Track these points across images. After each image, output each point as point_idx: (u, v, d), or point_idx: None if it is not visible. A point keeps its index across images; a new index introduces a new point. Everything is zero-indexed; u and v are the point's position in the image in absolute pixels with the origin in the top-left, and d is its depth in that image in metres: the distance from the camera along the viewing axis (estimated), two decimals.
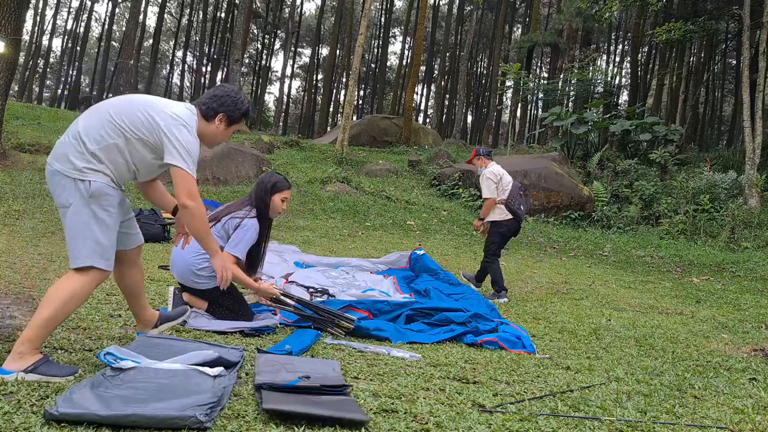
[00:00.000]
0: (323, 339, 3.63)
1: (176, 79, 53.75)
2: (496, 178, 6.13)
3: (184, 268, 3.76)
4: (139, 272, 2.98)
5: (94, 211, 2.51)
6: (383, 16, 46.66)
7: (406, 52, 45.50)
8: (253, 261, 3.85)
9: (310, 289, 4.97)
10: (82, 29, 45.45)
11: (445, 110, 45.04)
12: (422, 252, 6.22)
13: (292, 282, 5.14)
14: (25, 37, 37.46)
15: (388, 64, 49.32)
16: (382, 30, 47.29)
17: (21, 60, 35.39)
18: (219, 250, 2.97)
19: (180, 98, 54.67)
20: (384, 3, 46.05)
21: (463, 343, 3.87)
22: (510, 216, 6.10)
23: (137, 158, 2.64)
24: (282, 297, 3.90)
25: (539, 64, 47.30)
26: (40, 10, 41.73)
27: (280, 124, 46.72)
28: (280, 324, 3.87)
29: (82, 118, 2.63)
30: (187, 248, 3.75)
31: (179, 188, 2.66)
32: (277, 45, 53.39)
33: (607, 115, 19.43)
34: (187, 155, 2.63)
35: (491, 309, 4.73)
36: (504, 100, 40.51)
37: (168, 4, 46.56)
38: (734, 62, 33.75)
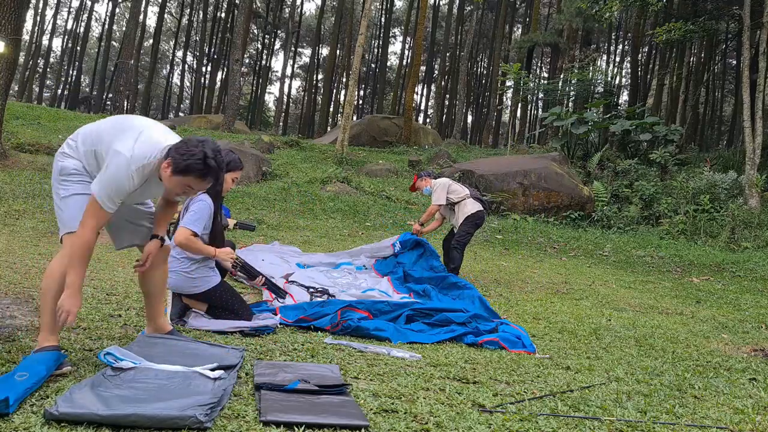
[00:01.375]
0: (323, 339, 3.63)
1: (176, 79, 53.81)
2: (444, 186, 6.66)
3: (176, 277, 3.71)
4: (161, 276, 3.04)
5: (60, 184, 2.69)
6: (383, 16, 46.67)
7: (406, 52, 45.52)
8: (216, 236, 3.81)
9: (311, 289, 4.97)
10: (82, 29, 45.50)
11: (445, 110, 45.04)
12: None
13: (293, 282, 5.14)
14: (25, 37, 37.48)
15: (388, 64, 49.35)
16: (382, 30, 47.30)
17: (21, 60, 35.40)
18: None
19: (180, 98, 54.75)
20: (384, 3, 46.06)
21: (464, 343, 3.88)
22: (480, 206, 6.59)
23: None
24: (245, 265, 3.97)
25: (539, 64, 47.30)
26: (40, 10, 41.75)
27: (280, 124, 46.73)
28: (280, 324, 3.87)
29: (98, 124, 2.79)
30: (173, 257, 3.72)
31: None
32: (277, 45, 53.43)
33: (607, 115, 19.43)
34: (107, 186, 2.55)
35: (488, 308, 4.73)
36: (504, 100, 40.54)
37: (168, 4, 46.57)
38: (734, 62, 33.77)
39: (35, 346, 2.80)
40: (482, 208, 6.63)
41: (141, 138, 2.58)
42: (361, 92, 50.75)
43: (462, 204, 6.59)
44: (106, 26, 44.65)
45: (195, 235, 3.63)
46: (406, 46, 45.54)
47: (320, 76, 46.83)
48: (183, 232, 3.56)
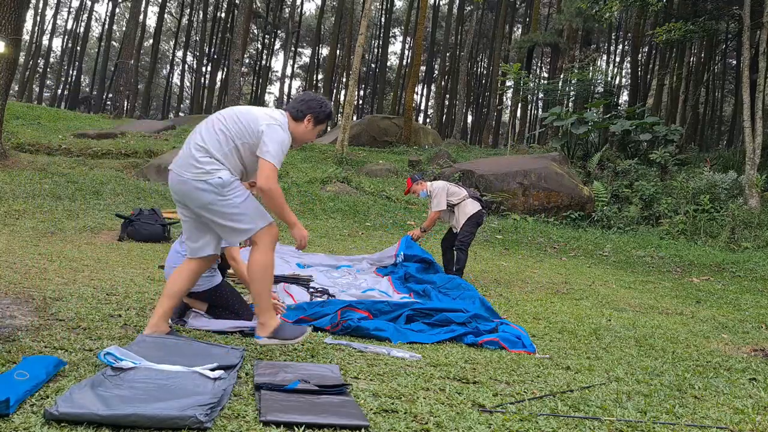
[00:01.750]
0: (323, 338, 3.63)
1: (176, 79, 53.80)
2: (443, 190, 6.65)
3: None
4: (190, 282, 3.23)
5: (231, 194, 2.99)
6: (383, 16, 46.67)
7: (406, 52, 45.51)
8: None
9: (310, 290, 4.98)
10: (82, 29, 45.48)
11: (445, 110, 45.03)
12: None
13: (293, 282, 5.14)
14: (25, 37, 37.47)
15: (388, 64, 49.33)
16: (382, 30, 47.29)
17: (21, 60, 35.39)
18: (297, 222, 3.18)
19: (180, 98, 54.77)
20: (384, 3, 46.05)
21: (464, 343, 3.87)
22: (479, 206, 6.65)
23: (247, 160, 3.08)
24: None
25: (539, 64, 47.29)
26: (40, 10, 41.74)
27: None
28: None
29: (200, 131, 3.09)
30: (178, 252, 3.73)
31: (259, 174, 2.99)
32: (277, 45, 53.42)
33: (607, 115, 19.43)
34: (276, 150, 2.99)
35: (489, 308, 4.73)
36: (504, 100, 40.52)
37: (168, 4, 46.56)
38: (734, 62, 33.76)
39: (35, 346, 2.80)
40: (482, 207, 6.68)
41: (266, 111, 3.13)
42: (361, 92, 50.73)
43: (462, 205, 6.60)
44: (106, 26, 44.65)
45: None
46: (406, 46, 45.55)
47: (320, 76, 46.82)
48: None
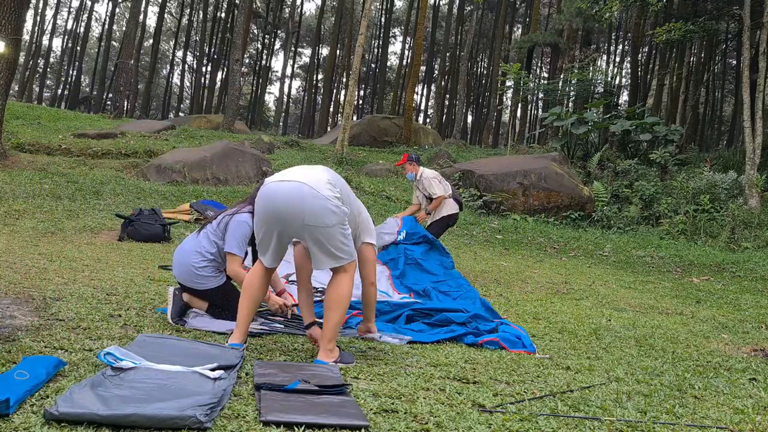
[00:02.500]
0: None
1: (176, 79, 53.80)
2: (437, 177, 6.86)
3: (185, 268, 3.77)
4: (262, 294, 3.35)
5: (348, 227, 3.18)
6: (383, 16, 46.67)
7: (406, 52, 45.52)
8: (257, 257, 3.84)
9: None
10: (82, 29, 45.50)
11: (445, 110, 45.03)
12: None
13: (293, 282, 5.13)
14: (25, 37, 37.45)
15: (388, 64, 49.34)
16: (382, 30, 47.30)
17: (21, 60, 35.38)
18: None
19: (180, 98, 54.75)
20: (384, 3, 46.06)
21: (464, 343, 3.87)
22: (457, 209, 6.88)
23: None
24: (280, 313, 3.91)
25: (539, 64, 47.29)
26: (40, 10, 41.75)
27: (281, 124, 46.74)
28: (283, 326, 3.87)
29: (324, 172, 3.22)
30: (188, 248, 3.77)
31: (369, 265, 3.47)
32: (277, 45, 53.42)
33: (608, 116, 19.43)
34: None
35: (489, 308, 4.72)
36: (504, 100, 40.52)
37: (168, 4, 46.57)
38: (734, 62, 33.76)
39: (35, 346, 2.80)
40: (458, 211, 6.94)
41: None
42: (361, 92, 50.73)
43: (444, 202, 6.80)
44: (106, 26, 44.65)
45: (236, 256, 3.70)
46: (406, 46, 45.55)
47: (320, 76, 46.82)
48: (233, 259, 3.68)
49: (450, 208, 6.85)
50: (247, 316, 3.24)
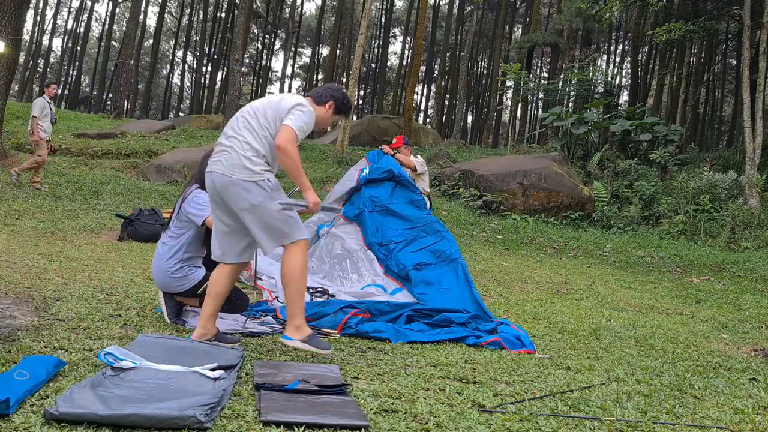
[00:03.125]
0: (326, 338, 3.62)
1: (176, 79, 53.78)
2: (424, 165, 7.06)
3: (161, 275, 3.68)
4: (232, 280, 3.28)
5: (279, 197, 3.06)
6: (383, 16, 46.65)
7: (406, 52, 45.50)
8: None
9: (310, 289, 4.97)
10: (82, 29, 45.48)
11: (445, 110, 45.02)
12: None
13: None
14: (25, 37, 37.44)
15: (388, 64, 49.32)
16: (382, 30, 47.28)
17: (21, 60, 35.37)
18: (310, 186, 3.20)
19: (180, 98, 54.74)
20: (384, 3, 46.04)
21: (466, 344, 3.87)
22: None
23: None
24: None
25: (539, 64, 47.27)
26: (40, 10, 41.72)
27: None
28: (281, 326, 3.87)
29: (239, 131, 3.12)
30: (159, 254, 3.69)
31: (280, 136, 3.02)
32: (277, 45, 53.41)
33: (608, 116, 19.42)
34: (299, 121, 3.06)
35: (481, 307, 4.57)
36: (504, 100, 40.50)
37: (168, 4, 46.55)
38: (734, 62, 33.75)
39: (35, 346, 2.80)
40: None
41: (291, 97, 3.21)
42: (361, 92, 50.72)
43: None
44: (106, 26, 44.63)
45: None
46: (406, 46, 45.53)
47: (320, 76, 46.79)
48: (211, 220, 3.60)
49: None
50: (210, 314, 3.20)
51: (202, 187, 3.60)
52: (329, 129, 33.98)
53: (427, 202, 6.87)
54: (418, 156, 7.22)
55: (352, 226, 5.59)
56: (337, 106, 3.37)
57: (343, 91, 3.44)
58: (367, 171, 5.75)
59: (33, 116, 9.78)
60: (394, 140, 7.12)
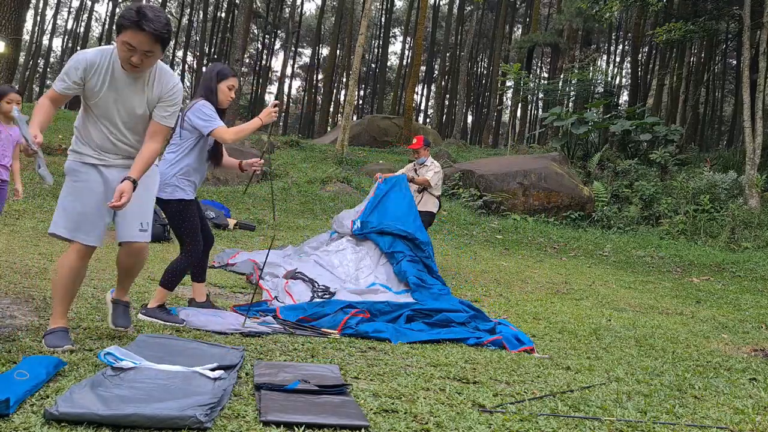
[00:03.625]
0: (322, 339, 3.62)
1: None
2: (441, 174, 7.10)
3: (160, 178, 3.68)
4: (132, 264, 3.12)
5: (66, 184, 2.91)
6: (383, 16, 46.65)
7: (406, 52, 45.50)
8: (216, 150, 3.95)
9: (315, 284, 4.97)
10: (82, 29, 45.47)
11: (445, 110, 45.02)
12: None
13: (297, 278, 5.11)
14: (25, 37, 37.43)
15: (389, 64, 49.32)
16: (382, 30, 47.28)
17: (21, 60, 35.36)
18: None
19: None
20: (384, 3, 46.04)
21: (467, 344, 3.87)
22: (437, 209, 7.14)
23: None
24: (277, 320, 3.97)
25: (539, 64, 47.27)
26: (40, 10, 41.71)
27: (281, 124, 46.72)
28: (281, 326, 3.87)
29: None
30: (163, 162, 3.77)
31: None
32: (278, 45, 53.41)
33: (608, 116, 19.42)
34: (63, 72, 2.80)
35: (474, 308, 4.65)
36: (504, 100, 40.51)
37: (168, 4, 46.56)
38: (734, 62, 33.74)
39: (35, 346, 2.80)
40: (437, 211, 7.21)
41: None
42: (361, 92, 50.72)
43: (433, 200, 7.02)
44: (106, 26, 44.62)
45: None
46: (406, 46, 45.53)
47: (320, 76, 46.80)
48: (221, 131, 3.69)
49: (432, 205, 7.02)
50: (63, 297, 2.97)
51: (208, 99, 3.79)
52: (328, 129, 33.96)
53: (437, 204, 7.11)
54: (435, 162, 7.21)
55: (381, 268, 5.76)
56: (117, 26, 2.75)
57: (131, 7, 2.75)
58: (358, 224, 6.00)
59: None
60: (414, 140, 7.16)
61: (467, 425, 2.32)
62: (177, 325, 3.54)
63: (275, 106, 3.82)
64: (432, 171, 6.95)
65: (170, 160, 3.76)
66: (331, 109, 44.76)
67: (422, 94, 53.11)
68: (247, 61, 48.25)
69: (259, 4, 44.09)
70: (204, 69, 3.97)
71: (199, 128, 3.71)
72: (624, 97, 37.01)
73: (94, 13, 50.59)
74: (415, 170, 7.12)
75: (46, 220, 7.70)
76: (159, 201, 3.62)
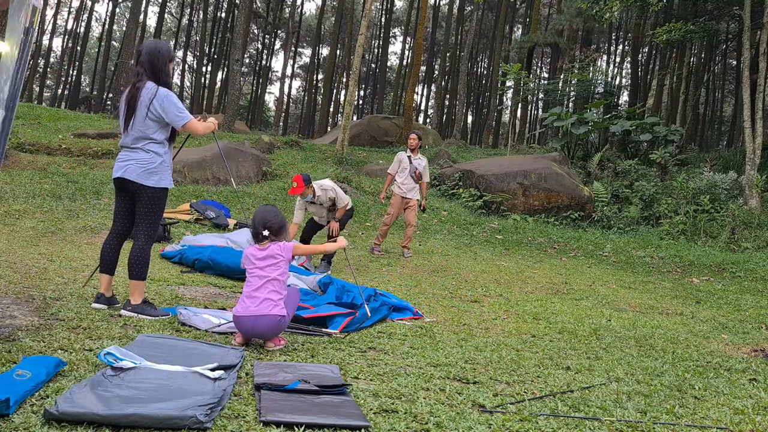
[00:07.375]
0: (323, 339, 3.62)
1: (176, 79, 53.72)
2: (335, 184, 7.28)
3: (136, 164, 3.79)
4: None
5: None
6: (383, 16, 46.64)
7: (406, 52, 45.52)
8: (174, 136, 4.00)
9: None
10: (82, 29, 45.45)
11: (446, 110, 45.01)
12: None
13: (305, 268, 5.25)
14: None
15: (389, 64, 49.31)
16: (382, 30, 47.27)
17: None
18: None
19: (180, 98, 54.63)
20: (384, 3, 46.04)
21: (390, 319, 4.36)
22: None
23: None
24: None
25: (539, 65, 47.26)
26: (40, 10, 41.66)
27: (281, 124, 46.74)
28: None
29: None
30: (143, 143, 3.80)
31: None
32: (278, 45, 53.39)
33: (608, 116, 19.43)
34: None
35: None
36: (504, 100, 40.45)
37: (168, 4, 46.57)
38: (734, 63, 33.75)
39: (35, 346, 2.80)
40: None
41: None
42: (361, 92, 50.72)
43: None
44: (106, 26, 44.57)
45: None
46: (406, 46, 45.55)
47: (320, 76, 46.80)
48: (193, 124, 3.85)
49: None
50: None
51: (166, 85, 3.84)
52: (328, 129, 33.93)
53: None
54: (322, 183, 6.89)
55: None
56: None
57: None
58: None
59: None
60: (294, 184, 6.61)
61: (467, 425, 2.32)
62: (164, 318, 3.65)
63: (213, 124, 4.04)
64: (338, 192, 6.95)
65: (156, 151, 3.79)
66: (331, 109, 44.76)
67: (422, 94, 53.11)
68: (247, 61, 48.28)
69: (259, 4, 44.08)
70: (144, 46, 3.91)
71: (171, 120, 3.74)
72: (624, 97, 37.02)
73: (94, 13, 50.58)
74: (314, 204, 6.93)
75: (46, 220, 7.70)
76: (144, 188, 3.72)
